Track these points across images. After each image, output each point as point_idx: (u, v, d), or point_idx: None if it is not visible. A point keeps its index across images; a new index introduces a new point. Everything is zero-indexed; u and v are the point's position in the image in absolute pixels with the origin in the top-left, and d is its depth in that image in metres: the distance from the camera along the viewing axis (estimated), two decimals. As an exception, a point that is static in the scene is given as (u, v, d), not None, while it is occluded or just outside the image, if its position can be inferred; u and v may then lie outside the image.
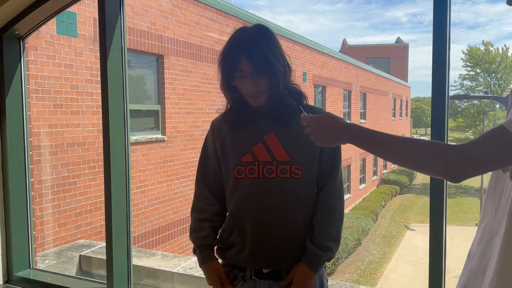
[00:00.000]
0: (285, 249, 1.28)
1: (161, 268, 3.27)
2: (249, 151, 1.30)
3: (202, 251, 1.39)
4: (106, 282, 2.66)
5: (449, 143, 1.08)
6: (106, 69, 2.47)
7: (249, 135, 1.32)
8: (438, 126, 1.88)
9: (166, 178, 8.26)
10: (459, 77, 31.38)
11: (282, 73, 1.26)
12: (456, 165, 0.92)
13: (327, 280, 1.41)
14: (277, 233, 1.27)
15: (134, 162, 7.17)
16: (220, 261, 1.39)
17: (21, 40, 2.87)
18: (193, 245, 1.42)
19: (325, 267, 1.40)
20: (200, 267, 1.40)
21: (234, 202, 1.34)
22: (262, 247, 1.27)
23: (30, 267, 2.97)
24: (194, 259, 3.57)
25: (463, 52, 27.89)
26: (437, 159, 0.96)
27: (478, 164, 0.92)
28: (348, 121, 1.13)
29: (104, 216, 2.53)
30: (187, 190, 8.81)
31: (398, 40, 41.97)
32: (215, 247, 1.40)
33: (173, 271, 3.21)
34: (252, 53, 1.21)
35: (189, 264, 3.35)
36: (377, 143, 1.07)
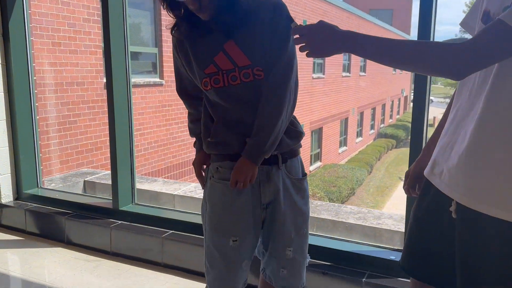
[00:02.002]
0: None
1: (162, 191, 3.46)
2: (211, 62, 1.34)
3: (197, 143, 1.53)
4: (111, 198, 2.84)
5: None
6: (108, 9, 2.51)
7: (209, 46, 1.34)
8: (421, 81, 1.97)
9: (165, 122, 8.37)
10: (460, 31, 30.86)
11: None
12: (461, 62, 0.98)
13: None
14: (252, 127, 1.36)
15: (133, 105, 7.26)
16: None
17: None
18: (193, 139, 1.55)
19: (306, 175, 1.51)
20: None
21: (212, 109, 1.41)
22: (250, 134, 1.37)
23: (38, 186, 3.15)
24: (194, 184, 3.76)
25: (466, 5, 27.33)
26: (443, 59, 1.00)
27: (481, 61, 0.98)
28: (343, 30, 1.11)
29: (108, 132, 2.66)
30: (185, 135, 8.95)
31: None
32: (208, 143, 1.45)
33: (174, 193, 3.40)
34: None
35: (188, 188, 3.53)
36: (379, 51, 1.07)
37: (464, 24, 1.22)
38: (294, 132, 1.44)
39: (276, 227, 1.45)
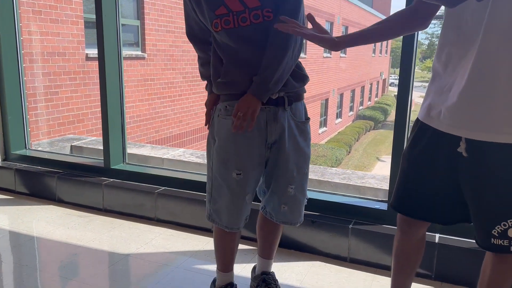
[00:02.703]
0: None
1: (151, 155, 3.50)
2: (222, 4, 1.40)
3: (208, 85, 1.60)
4: (102, 159, 2.87)
5: None
6: None
7: None
8: (407, 58, 2.07)
9: (147, 96, 8.33)
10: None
11: None
12: None
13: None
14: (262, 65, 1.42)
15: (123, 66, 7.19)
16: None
17: None
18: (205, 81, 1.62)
19: (309, 119, 1.60)
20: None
21: (221, 51, 1.47)
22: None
23: (26, 147, 3.14)
24: (182, 149, 3.81)
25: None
26: None
27: None
28: None
29: (100, 93, 2.68)
30: (168, 111, 8.93)
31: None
32: (217, 83, 1.52)
33: (163, 157, 3.45)
34: None
35: (177, 153, 3.58)
36: (369, 38, 1.27)
37: None
38: (300, 75, 1.52)
39: (280, 165, 1.53)
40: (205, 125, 1.60)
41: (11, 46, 2.96)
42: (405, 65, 2.07)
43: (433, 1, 1.13)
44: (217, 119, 1.53)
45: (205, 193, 2.34)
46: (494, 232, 1.18)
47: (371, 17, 25.73)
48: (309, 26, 1.29)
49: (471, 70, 1.14)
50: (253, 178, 1.52)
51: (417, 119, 1.34)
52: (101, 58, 2.64)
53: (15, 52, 2.99)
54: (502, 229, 1.17)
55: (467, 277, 1.91)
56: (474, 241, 1.30)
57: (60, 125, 6.35)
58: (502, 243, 1.18)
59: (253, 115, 1.43)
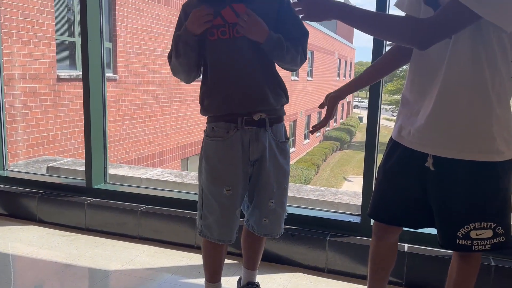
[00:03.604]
0: (265, 91, 1.60)
1: (129, 175, 3.55)
2: (218, 15, 1.54)
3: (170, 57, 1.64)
4: (82, 179, 2.92)
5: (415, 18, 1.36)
6: (86, 9, 2.62)
7: (218, 5, 1.53)
8: (375, 88, 2.23)
9: (118, 118, 8.31)
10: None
11: None
12: (423, 33, 1.24)
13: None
14: (254, 80, 1.58)
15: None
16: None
17: None
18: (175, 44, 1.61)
19: (288, 139, 1.75)
20: (182, 34, 1.55)
21: (212, 67, 1.60)
22: (247, 92, 1.57)
23: (4, 168, 3.14)
24: (160, 169, 3.88)
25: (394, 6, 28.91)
26: (408, 29, 1.26)
27: (440, 32, 1.23)
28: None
29: (83, 113, 2.74)
30: (138, 132, 8.92)
31: (346, 1, 42.63)
32: (204, 106, 1.64)
33: (142, 177, 3.51)
34: None
35: (155, 173, 3.65)
36: (361, 20, 1.31)
37: (399, 5, 1.48)
38: (280, 93, 1.65)
39: (261, 181, 1.67)
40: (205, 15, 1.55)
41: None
42: (373, 94, 2.25)
43: (405, 45, 1.32)
44: (205, 140, 1.66)
45: (188, 210, 2.45)
46: (459, 234, 1.36)
47: (334, 42, 26.70)
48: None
49: (436, 98, 1.33)
50: (240, 193, 1.65)
51: (391, 137, 1.54)
52: (85, 79, 2.72)
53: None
54: (466, 231, 1.35)
55: (435, 282, 2.09)
56: (441, 250, 1.47)
57: (29, 147, 6.25)
58: (466, 243, 1.36)
59: (253, 28, 1.51)
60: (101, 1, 2.73)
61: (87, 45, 2.67)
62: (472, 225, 1.35)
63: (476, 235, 1.35)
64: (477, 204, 1.34)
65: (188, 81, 1.69)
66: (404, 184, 1.47)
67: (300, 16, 1.36)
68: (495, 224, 1.34)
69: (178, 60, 1.60)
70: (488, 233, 1.34)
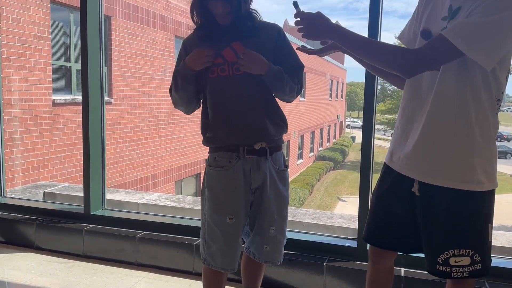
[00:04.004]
0: (266, 124, 1.65)
1: (126, 200, 3.57)
2: (219, 55, 1.62)
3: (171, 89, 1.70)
4: (79, 205, 2.94)
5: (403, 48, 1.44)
6: (86, 36, 2.70)
7: (218, 45, 1.62)
8: (369, 105, 2.28)
9: (113, 140, 8.33)
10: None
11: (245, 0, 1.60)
12: (409, 62, 1.33)
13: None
14: (255, 114, 1.64)
15: (81, 122, 7.21)
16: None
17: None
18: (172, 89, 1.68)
19: (287, 167, 1.81)
20: (181, 70, 1.61)
21: (211, 103, 1.67)
22: (249, 126, 1.63)
23: (1, 195, 3.15)
24: (157, 193, 3.90)
25: (395, 37, 29.63)
26: (397, 57, 1.35)
27: (425, 63, 1.32)
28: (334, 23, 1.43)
29: (82, 140, 2.78)
30: (133, 154, 8.93)
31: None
32: (206, 138, 1.70)
33: (138, 202, 3.53)
34: None
35: (152, 198, 3.67)
36: (356, 43, 1.39)
37: (400, 37, 1.60)
38: (280, 124, 1.71)
39: (262, 208, 1.71)
40: (207, 56, 1.61)
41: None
42: (367, 116, 2.32)
43: (393, 71, 1.39)
44: (208, 169, 1.70)
45: (185, 236, 2.48)
46: (439, 260, 1.41)
47: (326, 64, 27.08)
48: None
49: (423, 126, 1.40)
50: (243, 221, 1.69)
51: (384, 162, 1.60)
52: (85, 104, 2.76)
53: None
54: (445, 257, 1.40)
55: (431, 306, 2.12)
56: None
57: (24, 171, 6.24)
58: (445, 270, 1.41)
59: (254, 65, 1.57)
60: (101, 28, 2.80)
61: (87, 71, 2.72)
62: (451, 251, 1.39)
63: (455, 262, 1.39)
64: (456, 231, 1.39)
65: (187, 112, 1.75)
66: (396, 209, 1.52)
67: (301, 34, 1.43)
68: (473, 252, 1.39)
69: (178, 93, 1.66)
70: (466, 261, 1.39)
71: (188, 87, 1.64)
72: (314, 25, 1.40)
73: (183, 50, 1.71)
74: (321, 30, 1.41)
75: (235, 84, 1.62)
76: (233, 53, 1.60)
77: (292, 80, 1.67)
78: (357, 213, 2.43)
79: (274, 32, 1.68)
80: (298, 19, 1.42)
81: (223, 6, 1.56)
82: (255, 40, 1.63)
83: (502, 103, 1.41)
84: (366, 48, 1.41)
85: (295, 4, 1.47)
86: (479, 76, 1.32)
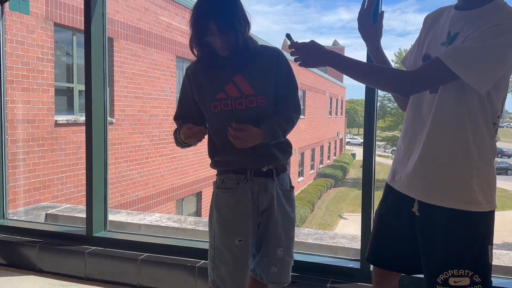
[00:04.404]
0: (272, 151, 1.68)
1: (127, 221, 3.57)
2: (222, 90, 1.67)
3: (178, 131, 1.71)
4: (81, 227, 2.94)
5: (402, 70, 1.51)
6: (90, 57, 2.76)
7: (221, 77, 1.68)
8: (369, 124, 2.33)
9: (114, 160, 8.34)
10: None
11: (243, 31, 1.64)
12: (405, 83, 1.38)
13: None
14: (260, 144, 1.64)
15: (82, 142, 7.25)
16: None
17: (0, 4, 3.05)
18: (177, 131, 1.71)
19: (293, 187, 1.83)
20: (179, 135, 1.65)
21: (216, 133, 1.71)
22: (256, 153, 1.65)
23: (4, 217, 3.15)
24: (158, 214, 3.90)
25: (395, 55, 29.87)
26: (395, 79, 1.40)
27: (421, 84, 1.37)
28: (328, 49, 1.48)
29: (85, 161, 2.80)
30: (134, 174, 8.94)
31: (335, 43, 44.00)
32: (214, 161, 1.74)
33: (140, 223, 3.53)
34: (219, 19, 1.57)
35: (154, 218, 3.68)
36: (352, 67, 1.44)
37: (403, 61, 1.65)
38: (286, 149, 1.75)
39: (270, 230, 1.72)
40: (197, 135, 1.62)
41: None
42: (367, 134, 2.35)
43: (391, 92, 1.44)
44: (216, 192, 1.73)
45: (187, 257, 2.48)
46: (439, 280, 1.41)
47: (325, 82, 27.31)
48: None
49: (422, 147, 1.44)
50: (251, 242, 1.70)
51: (386, 182, 1.62)
52: (88, 125, 2.79)
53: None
54: (444, 277, 1.41)
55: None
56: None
57: (25, 192, 6.25)
58: None
59: (249, 142, 1.59)
60: (105, 50, 2.85)
61: (91, 93, 2.76)
62: (450, 271, 1.40)
63: (454, 282, 1.39)
64: (455, 251, 1.40)
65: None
66: (397, 229, 1.54)
67: (298, 63, 1.48)
68: (472, 272, 1.39)
69: (178, 145, 1.73)
70: (466, 281, 1.39)
71: (187, 146, 1.69)
72: (309, 53, 1.46)
73: (186, 79, 1.75)
74: (317, 58, 1.46)
75: (238, 118, 1.65)
76: (235, 88, 1.65)
77: (287, 115, 1.69)
78: (359, 232, 2.44)
79: (273, 57, 1.71)
80: (293, 49, 1.47)
81: (222, 41, 1.61)
82: (255, 67, 1.68)
83: (498, 126, 1.44)
84: (363, 72, 1.46)
85: (288, 36, 1.53)
86: (475, 99, 1.36)
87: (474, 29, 1.31)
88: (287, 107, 1.71)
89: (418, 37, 1.59)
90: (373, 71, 1.46)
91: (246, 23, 1.66)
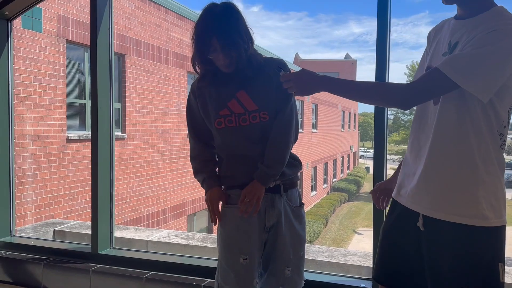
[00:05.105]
0: None
1: (135, 238, 3.52)
2: (225, 107, 1.64)
3: (208, 181, 1.71)
4: (87, 244, 2.90)
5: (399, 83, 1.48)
6: (96, 73, 2.74)
7: (224, 94, 1.65)
8: (379, 138, 2.26)
9: (125, 176, 8.36)
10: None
11: (246, 47, 1.61)
12: (404, 95, 1.34)
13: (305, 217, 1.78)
14: (256, 160, 1.64)
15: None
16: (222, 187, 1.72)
17: (8, 22, 3.07)
18: (201, 179, 1.73)
19: (303, 204, 1.76)
20: (205, 194, 1.70)
21: (221, 147, 1.69)
22: (256, 168, 1.62)
23: (11, 234, 3.13)
24: (166, 230, 3.84)
25: (407, 68, 29.74)
26: (392, 93, 1.37)
27: (420, 95, 1.34)
28: (320, 74, 1.47)
29: (91, 178, 2.77)
30: (145, 189, 8.93)
31: (347, 56, 43.97)
32: (221, 176, 1.72)
33: (147, 239, 3.47)
34: (221, 36, 1.54)
35: (161, 235, 3.62)
36: (347, 89, 1.45)
37: (415, 77, 1.59)
38: (293, 163, 1.71)
39: (277, 248, 1.66)
40: (213, 222, 1.69)
41: (2, 135, 3.07)
42: (378, 144, 2.28)
43: (390, 107, 1.39)
44: (223, 207, 1.68)
45: (193, 276, 2.42)
46: None
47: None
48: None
49: (426, 160, 1.38)
50: (257, 261, 1.63)
51: (392, 197, 1.56)
52: (94, 141, 2.76)
53: (7, 139, 3.09)
54: None
55: None
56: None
57: (37, 208, 6.26)
58: None
59: (258, 201, 1.59)
60: (111, 66, 2.84)
61: (96, 108, 2.74)
62: None
63: None
64: (462, 268, 1.32)
65: None
66: (403, 246, 1.47)
67: (292, 92, 1.47)
68: None
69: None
70: None
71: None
72: (302, 82, 1.46)
73: (191, 95, 1.74)
74: (310, 85, 1.46)
75: (242, 134, 1.64)
76: (238, 104, 1.63)
77: (282, 138, 1.65)
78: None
79: (272, 69, 1.65)
80: (285, 80, 1.48)
81: (225, 58, 1.59)
82: (258, 82, 1.65)
83: (506, 138, 1.37)
84: (359, 92, 1.45)
85: (278, 69, 1.55)
86: (478, 108, 1.30)
87: (472, 36, 1.28)
88: (279, 124, 1.66)
89: (424, 52, 1.56)
90: (368, 90, 1.43)
91: (249, 39, 1.63)
